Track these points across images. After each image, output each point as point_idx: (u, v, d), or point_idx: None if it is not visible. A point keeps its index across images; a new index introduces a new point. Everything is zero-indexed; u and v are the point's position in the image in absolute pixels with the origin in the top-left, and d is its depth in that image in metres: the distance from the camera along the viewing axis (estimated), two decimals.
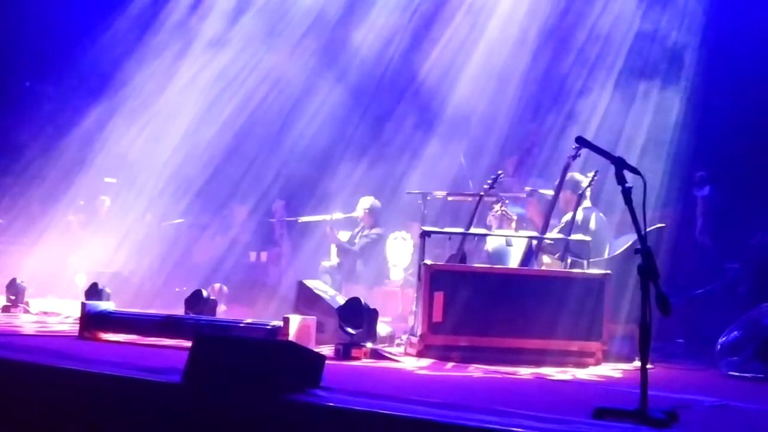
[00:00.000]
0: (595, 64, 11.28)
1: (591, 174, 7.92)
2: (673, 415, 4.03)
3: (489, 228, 9.08)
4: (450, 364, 6.52)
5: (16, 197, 15.42)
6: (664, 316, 4.05)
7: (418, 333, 6.89)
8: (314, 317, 7.08)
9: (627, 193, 4.23)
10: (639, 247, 4.16)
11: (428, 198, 9.14)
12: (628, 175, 4.38)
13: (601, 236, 8.17)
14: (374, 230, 11.46)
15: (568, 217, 7.96)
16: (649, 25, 10.93)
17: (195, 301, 7.84)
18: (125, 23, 14.56)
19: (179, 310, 8.23)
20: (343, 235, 11.63)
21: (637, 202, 4.23)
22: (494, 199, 8.75)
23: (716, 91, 10.19)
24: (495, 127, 12.41)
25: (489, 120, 12.54)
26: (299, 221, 12.93)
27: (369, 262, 11.34)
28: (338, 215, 11.89)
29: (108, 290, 8.35)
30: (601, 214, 8.35)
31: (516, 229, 8.66)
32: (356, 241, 11.52)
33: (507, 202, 8.92)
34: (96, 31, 14.89)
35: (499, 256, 8.33)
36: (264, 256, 13.27)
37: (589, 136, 6.07)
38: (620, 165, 4.35)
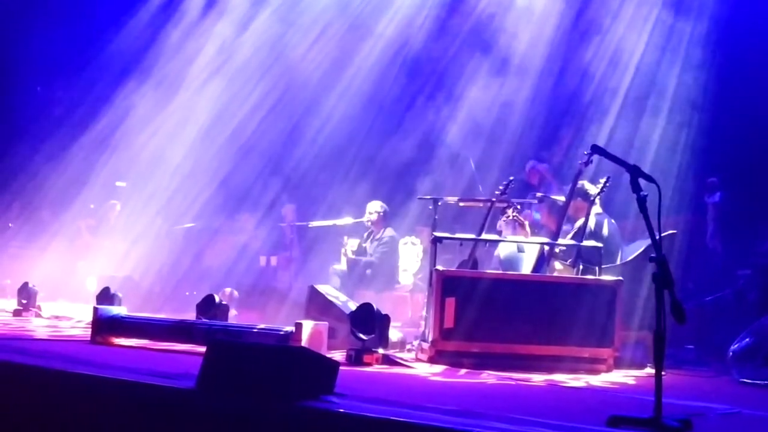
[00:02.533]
0: (607, 69, 11.29)
1: (603, 180, 7.92)
2: (687, 423, 4.03)
3: (500, 234, 9.09)
4: (463, 371, 6.52)
5: (27, 201, 15.49)
6: (678, 324, 4.05)
7: (430, 339, 6.89)
8: (326, 323, 7.08)
9: (642, 201, 4.22)
10: (653, 254, 4.16)
11: (439, 204, 9.13)
12: (642, 183, 4.38)
13: (613, 243, 8.16)
14: (387, 233, 11.46)
15: (580, 223, 7.96)
16: (663, 31, 10.94)
17: (207, 306, 7.85)
18: (136, 27, 14.62)
19: (190, 315, 8.25)
20: (352, 243, 11.62)
21: (651, 209, 4.24)
22: (505, 204, 8.75)
23: (729, 98, 10.18)
24: (507, 133, 12.42)
25: (501, 125, 12.55)
26: (310, 226, 12.94)
27: (381, 266, 11.35)
28: (348, 220, 11.91)
29: (120, 295, 8.38)
30: (612, 221, 8.35)
31: (528, 235, 8.65)
32: (366, 246, 11.51)
33: (518, 207, 8.92)
34: (107, 35, 14.97)
35: (510, 262, 8.32)
36: (274, 260, 13.28)
37: (600, 143, 6.09)
38: (635, 173, 4.35)
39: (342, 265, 11.50)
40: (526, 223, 8.79)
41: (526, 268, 8.11)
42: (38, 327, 8.99)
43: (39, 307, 10.30)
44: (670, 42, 10.81)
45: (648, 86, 10.91)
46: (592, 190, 8.04)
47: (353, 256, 11.31)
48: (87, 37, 15.67)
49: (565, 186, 10.18)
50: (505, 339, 6.82)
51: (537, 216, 9.78)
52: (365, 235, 11.72)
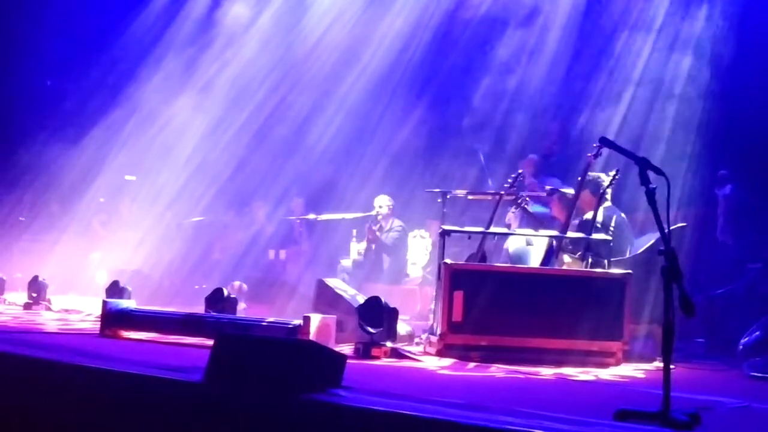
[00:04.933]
0: (616, 63, 11.24)
1: (612, 173, 7.88)
2: (695, 417, 4.00)
3: (508, 227, 9.06)
4: (471, 364, 6.50)
5: (38, 195, 15.53)
6: (687, 317, 4.03)
7: (438, 332, 6.88)
8: (334, 316, 7.08)
9: (651, 194, 4.20)
10: (662, 247, 4.13)
11: (448, 197, 9.10)
12: (651, 175, 4.35)
13: (622, 236, 8.13)
14: (396, 223, 11.47)
15: (588, 216, 7.92)
16: (673, 24, 10.88)
17: (216, 299, 7.86)
18: (146, 21, 14.63)
19: (199, 308, 8.26)
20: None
21: (661, 202, 4.21)
22: (514, 197, 8.72)
23: (740, 89, 10.13)
24: (515, 127, 12.39)
25: (510, 119, 12.51)
26: (318, 219, 12.95)
27: (394, 256, 11.33)
28: (357, 214, 11.90)
29: (129, 288, 8.40)
30: (622, 215, 8.31)
31: (537, 228, 8.63)
32: (382, 236, 11.51)
33: (527, 199, 8.88)
34: (116, 30, 14.97)
35: (519, 255, 8.29)
36: (283, 254, 13.30)
37: (610, 136, 6.06)
38: (644, 165, 4.32)
39: (351, 257, 11.50)
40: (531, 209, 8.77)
41: (535, 261, 8.07)
42: (48, 320, 9.03)
43: (49, 301, 10.34)
44: (682, 33, 10.76)
45: (659, 77, 10.85)
46: (605, 181, 7.99)
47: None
48: (97, 31, 15.68)
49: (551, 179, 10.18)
50: (514, 332, 6.80)
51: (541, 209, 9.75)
52: (375, 228, 11.71)
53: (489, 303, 6.79)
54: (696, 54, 10.47)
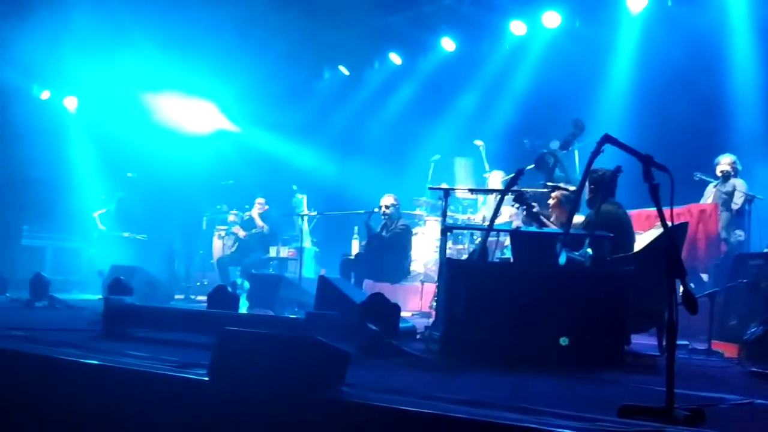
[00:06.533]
0: (624, 60, 11.26)
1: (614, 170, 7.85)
2: (699, 413, 4.01)
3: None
4: (473, 361, 6.49)
5: (40, 192, 15.55)
6: (690, 314, 4.03)
7: (440, 329, 6.87)
8: (336, 312, 7.08)
9: (654, 191, 4.19)
10: (665, 244, 4.13)
11: (450, 194, 9.10)
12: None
13: (625, 232, 8.12)
14: (400, 222, 11.49)
15: (590, 213, 7.92)
16: (678, 20, 10.90)
17: (219, 296, 7.87)
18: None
19: (202, 305, 8.27)
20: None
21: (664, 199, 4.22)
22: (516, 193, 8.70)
23: (744, 86, 10.15)
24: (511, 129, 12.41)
25: (506, 121, 12.52)
26: (321, 216, 12.97)
27: (397, 255, 11.33)
28: (360, 211, 11.91)
29: (131, 285, 8.41)
30: (625, 210, 8.30)
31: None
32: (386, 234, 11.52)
33: (528, 196, 8.87)
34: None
35: None
36: (285, 251, 13.31)
37: (615, 132, 6.04)
38: (648, 162, 4.32)
39: (353, 254, 11.50)
40: (535, 205, 8.75)
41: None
42: (50, 317, 9.03)
43: (51, 298, 10.34)
44: (686, 32, 10.79)
45: (666, 76, 10.87)
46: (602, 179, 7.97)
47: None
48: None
49: None
50: (516, 329, 6.78)
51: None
52: (379, 227, 11.73)
53: (491, 300, 6.77)
54: (699, 52, 10.50)
